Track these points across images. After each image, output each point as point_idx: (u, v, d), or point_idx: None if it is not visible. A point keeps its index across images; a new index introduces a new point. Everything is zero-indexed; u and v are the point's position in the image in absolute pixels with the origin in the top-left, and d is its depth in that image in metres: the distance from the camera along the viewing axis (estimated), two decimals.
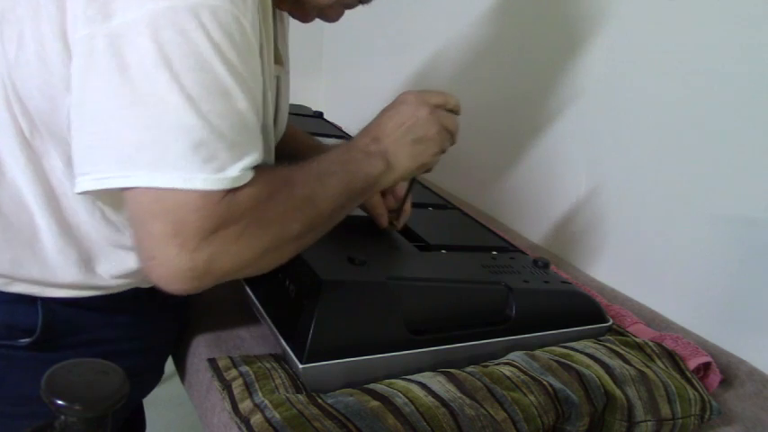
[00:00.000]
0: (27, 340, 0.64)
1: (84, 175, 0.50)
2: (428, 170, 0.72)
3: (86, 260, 0.62)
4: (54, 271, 0.62)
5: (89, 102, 0.49)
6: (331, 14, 0.71)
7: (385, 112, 0.69)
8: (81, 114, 0.50)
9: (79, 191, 0.51)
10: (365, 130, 0.68)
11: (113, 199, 0.58)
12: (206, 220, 0.49)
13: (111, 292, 0.66)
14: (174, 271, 0.49)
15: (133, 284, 0.68)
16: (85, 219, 0.61)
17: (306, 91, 1.84)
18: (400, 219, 0.82)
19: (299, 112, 1.39)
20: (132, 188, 0.49)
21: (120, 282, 0.66)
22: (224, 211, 0.50)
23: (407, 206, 0.82)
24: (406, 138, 0.67)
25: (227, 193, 0.50)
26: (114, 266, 0.64)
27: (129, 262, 0.64)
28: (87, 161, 0.50)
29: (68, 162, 0.58)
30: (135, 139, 0.48)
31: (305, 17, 0.71)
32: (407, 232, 0.84)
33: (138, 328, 0.72)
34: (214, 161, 0.49)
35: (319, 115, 1.42)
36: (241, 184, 0.51)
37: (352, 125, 1.43)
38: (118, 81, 0.48)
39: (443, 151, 0.71)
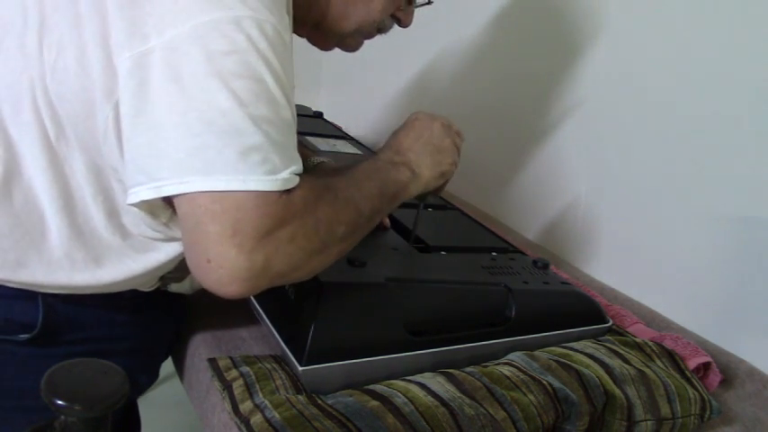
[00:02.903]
0: (26, 336, 0.64)
1: (140, 186, 0.51)
2: (446, 181, 0.75)
3: (92, 265, 0.63)
4: (58, 273, 0.62)
5: (146, 113, 0.50)
6: (351, 44, 0.74)
7: (400, 130, 0.72)
8: (135, 126, 0.51)
9: (134, 201, 0.52)
10: (386, 147, 0.71)
11: (152, 208, 0.58)
12: (263, 220, 0.50)
13: (111, 291, 0.67)
14: (231, 271, 0.50)
15: (134, 287, 0.68)
16: (99, 224, 0.61)
17: (306, 91, 1.84)
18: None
19: (299, 113, 1.39)
20: (187, 193, 0.50)
21: (122, 285, 0.66)
22: (279, 211, 0.51)
23: None
24: (426, 149, 0.70)
25: (281, 194, 0.51)
26: (120, 271, 0.64)
27: (134, 267, 0.64)
28: (142, 171, 0.51)
29: (92, 168, 0.59)
30: (189, 146, 0.49)
31: (325, 45, 0.74)
32: (407, 233, 0.84)
33: (136, 328, 0.73)
34: (267, 164, 0.51)
35: (319, 115, 1.42)
36: (292, 186, 0.52)
37: (351, 125, 1.43)
38: (172, 91, 0.49)
39: (456, 164, 0.74)
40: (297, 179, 0.53)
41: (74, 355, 0.66)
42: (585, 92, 1.09)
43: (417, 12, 0.76)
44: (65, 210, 0.60)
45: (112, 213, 0.62)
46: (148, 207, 0.58)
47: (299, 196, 0.53)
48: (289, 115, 0.54)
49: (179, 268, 0.70)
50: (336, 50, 0.77)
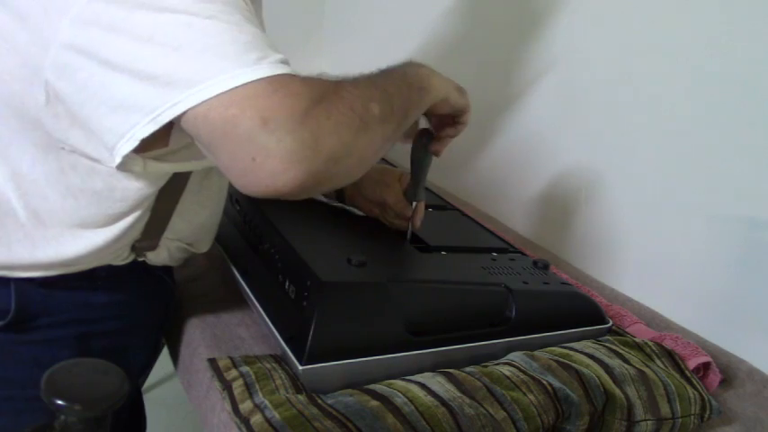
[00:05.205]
0: (1, 323, 0.64)
1: (134, 126, 0.49)
2: (466, 110, 0.72)
3: (53, 242, 0.62)
4: (21, 254, 0.62)
5: (111, 60, 0.49)
6: None
7: None
8: (107, 78, 0.49)
9: (130, 148, 0.50)
10: None
11: (128, 164, 0.56)
12: (289, 99, 0.48)
13: (82, 269, 0.66)
14: (281, 156, 0.47)
15: (104, 261, 0.68)
16: (55, 204, 0.61)
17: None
18: (416, 217, 0.82)
19: None
20: (192, 109, 0.48)
21: (89, 259, 0.66)
22: (301, 89, 0.49)
23: (421, 208, 0.83)
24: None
25: (293, 76, 0.49)
26: (81, 245, 0.63)
27: (95, 239, 0.63)
28: (132, 110, 0.49)
29: (41, 147, 0.58)
30: (170, 64, 0.48)
31: None
32: (407, 233, 0.84)
33: (118, 308, 0.72)
34: (254, 52, 0.49)
35: None
36: (291, 71, 0.50)
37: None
38: (126, 27, 0.48)
39: (467, 109, 0.73)
40: (289, 67, 0.51)
41: (56, 340, 0.67)
42: (588, 92, 1.09)
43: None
44: (18, 191, 0.60)
45: (68, 194, 0.61)
46: (124, 164, 0.55)
47: (315, 80, 0.51)
48: (248, 13, 0.52)
49: (148, 235, 0.69)
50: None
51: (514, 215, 1.25)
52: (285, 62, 0.51)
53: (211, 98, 0.47)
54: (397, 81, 0.61)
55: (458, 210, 1.05)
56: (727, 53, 0.86)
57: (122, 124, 0.50)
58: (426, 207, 0.85)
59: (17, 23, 0.53)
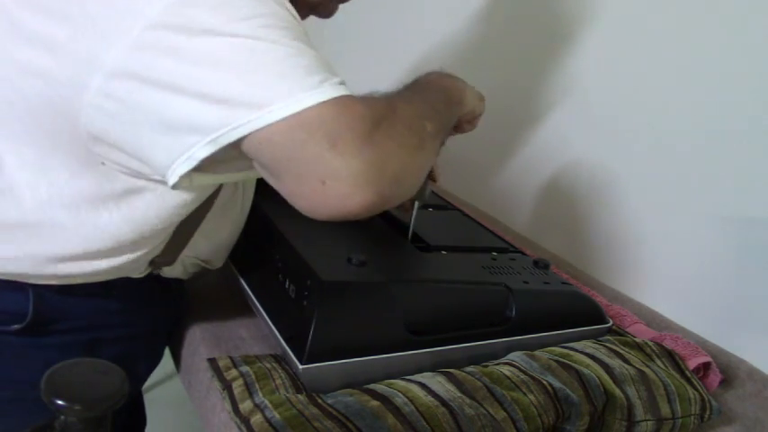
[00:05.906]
0: (17, 326, 0.64)
1: (193, 147, 0.49)
2: (480, 114, 0.76)
3: (81, 258, 0.62)
4: (44, 267, 0.62)
5: (171, 84, 0.49)
6: (323, 10, 0.73)
7: None
8: (165, 99, 0.50)
9: (195, 161, 0.50)
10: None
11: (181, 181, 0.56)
12: (353, 122, 0.48)
13: (100, 279, 0.66)
14: (350, 179, 0.47)
15: (122, 274, 0.68)
16: (88, 219, 0.61)
17: None
18: (435, 173, 0.83)
19: None
20: (255, 132, 0.48)
21: (108, 273, 0.66)
22: (363, 111, 0.49)
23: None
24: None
25: (353, 98, 0.50)
26: (107, 262, 0.64)
27: (121, 259, 0.64)
28: (190, 130, 0.49)
29: (82, 161, 0.58)
30: (235, 88, 0.48)
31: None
32: (407, 232, 0.84)
33: (130, 315, 0.72)
34: (316, 75, 0.49)
35: None
36: (349, 93, 0.51)
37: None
38: (192, 49, 0.49)
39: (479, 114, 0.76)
40: (348, 89, 0.52)
41: (68, 344, 0.67)
42: (588, 93, 1.09)
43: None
44: (51, 207, 0.59)
45: (104, 209, 0.60)
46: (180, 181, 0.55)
47: (372, 100, 0.52)
48: (305, 36, 0.53)
49: (168, 252, 0.69)
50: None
51: (514, 215, 1.25)
52: (343, 83, 0.51)
53: (277, 122, 0.47)
54: (441, 96, 0.63)
55: (458, 210, 1.05)
56: (728, 53, 0.86)
57: (180, 144, 0.50)
58: (426, 207, 0.85)
59: (74, 41, 0.52)
